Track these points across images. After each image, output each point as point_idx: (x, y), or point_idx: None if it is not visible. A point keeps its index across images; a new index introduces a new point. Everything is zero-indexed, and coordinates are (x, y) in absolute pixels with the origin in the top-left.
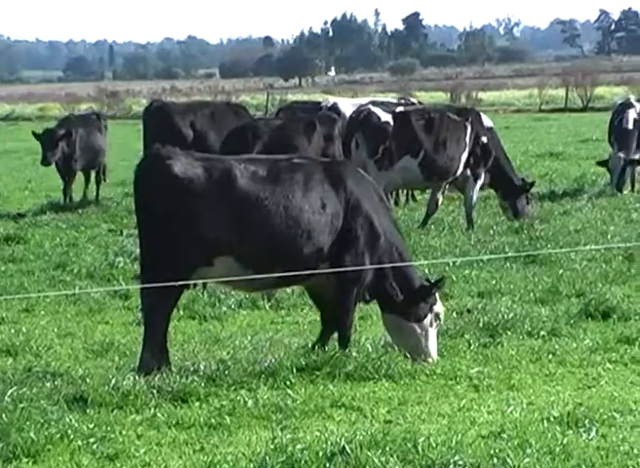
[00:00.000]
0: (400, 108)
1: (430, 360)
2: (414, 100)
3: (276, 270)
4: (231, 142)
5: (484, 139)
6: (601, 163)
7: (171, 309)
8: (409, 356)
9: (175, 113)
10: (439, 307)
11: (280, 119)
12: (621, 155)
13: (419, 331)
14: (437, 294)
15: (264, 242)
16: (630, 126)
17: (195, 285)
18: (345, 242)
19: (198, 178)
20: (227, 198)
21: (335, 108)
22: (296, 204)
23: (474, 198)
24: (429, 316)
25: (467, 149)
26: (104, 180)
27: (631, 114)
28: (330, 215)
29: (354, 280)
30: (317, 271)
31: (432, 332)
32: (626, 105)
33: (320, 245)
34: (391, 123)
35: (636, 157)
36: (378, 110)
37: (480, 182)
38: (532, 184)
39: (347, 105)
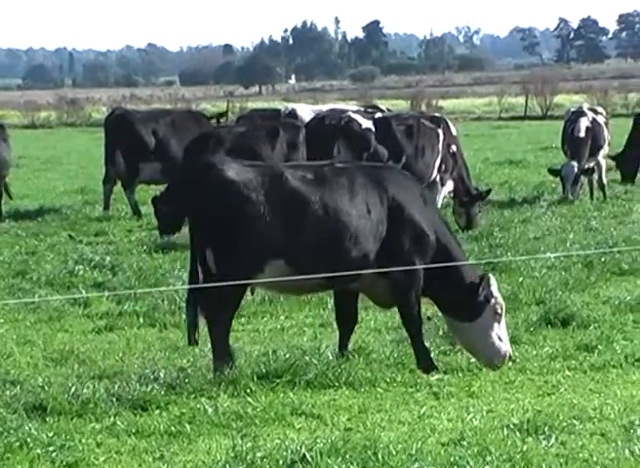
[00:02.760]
0: (378, 114)
1: (500, 359)
2: (382, 108)
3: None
4: (193, 149)
5: (454, 148)
6: (552, 171)
7: (232, 314)
8: (475, 358)
9: (136, 121)
10: (496, 302)
11: (243, 126)
12: (574, 164)
13: (476, 329)
14: (493, 289)
15: (313, 246)
16: (582, 134)
17: (252, 291)
18: (392, 246)
19: (250, 184)
20: (278, 203)
21: (293, 115)
22: (343, 208)
23: (439, 204)
24: (486, 313)
25: (440, 156)
26: (9, 197)
27: (583, 122)
28: (375, 219)
29: (409, 283)
30: (363, 271)
31: (495, 329)
32: (579, 113)
33: (366, 248)
34: (373, 129)
35: (590, 165)
36: (358, 117)
37: (446, 189)
38: (488, 192)
39: (306, 112)
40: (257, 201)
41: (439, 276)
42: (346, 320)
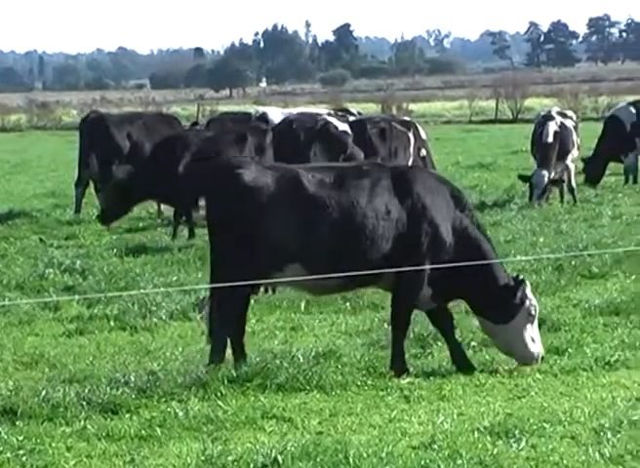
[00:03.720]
0: (352, 118)
1: (532, 360)
2: (353, 111)
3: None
4: (159, 153)
5: (424, 152)
6: (523, 177)
7: (238, 312)
8: (512, 358)
9: (111, 124)
10: (531, 304)
11: (211, 130)
12: (545, 173)
13: (510, 331)
14: (527, 291)
15: (331, 248)
16: (550, 139)
17: (266, 290)
18: (410, 247)
19: (268, 186)
20: (296, 205)
21: (264, 118)
22: (361, 210)
23: None
24: (520, 315)
25: (411, 160)
26: None
27: (552, 127)
28: (395, 221)
29: (416, 283)
30: (375, 271)
31: (528, 330)
32: (547, 118)
33: (384, 250)
34: (349, 132)
35: (560, 174)
36: (334, 120)
37: None
38: None
39: (277, 115)
40: (271, 203)
41: (472, 277)
42: (441, 323)
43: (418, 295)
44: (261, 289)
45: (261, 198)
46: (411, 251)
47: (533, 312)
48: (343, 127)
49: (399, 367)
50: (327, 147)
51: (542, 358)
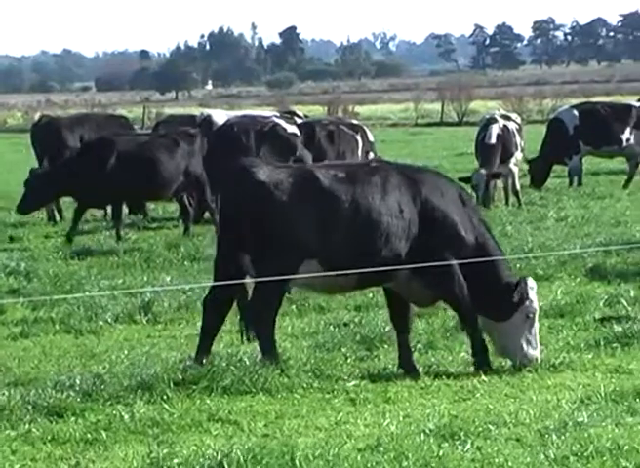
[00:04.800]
0: (299, 120)
1: (526, 363)
2: (300, 114)
3: (356, 274)
4: (84, 152)
5: (371, 155)
6: (463, 179)
7: (276, 313)
8: (507, 357)
9: (63, 127)
10: (530, 305)
11: (139, 134)
12: (483, 171)
13: (506, 330)
14: (529, 292)
15: (346, 245)
16: (493, 141)
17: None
18: (425, 246)
19: (282, 185)
20: (311, 203)
21: (209, 120)
22: (375, 208)
23: None
24: (517, 315)
25: None
26: None
27: (495, 129)
28: (407, 220)
29: (447, 281)
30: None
31: (524, 332)
32: (491, 121)
33: (399, 248)
34: (298, 134)
35: (500, 170)
36: (282, 122)
37: None
38: None
39: (222, 117)
40: (286, 202)
41: (477, 275)
42: (400, 320)
43: (460, 288)
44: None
45: (276, 196)
46: (429, 250)
47: (530, 314)
48: (292, 129)
49: (483, 363)
50: (276, 149)
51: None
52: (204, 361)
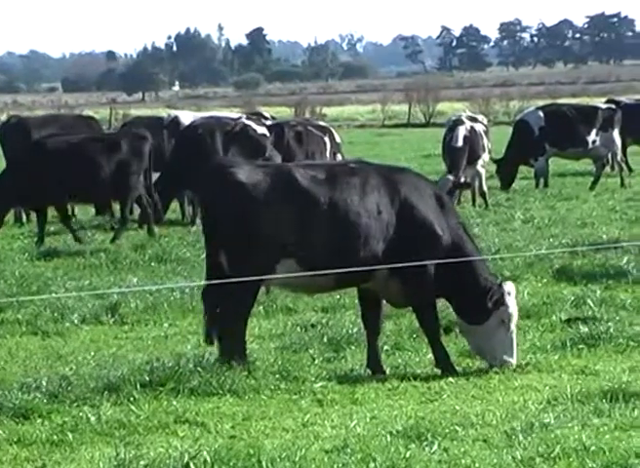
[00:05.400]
0: (269, 122)
1: (503, 364)
2: (267, 115)
3: (334, 274)
4: (18, 160)
5: (339, 156)
6: None
7: (248, 311)
8: (485, 360)
9: (33, 127)
10: (508, 308)
11: (79, 136)
12: (450, 178)
13: (480, 334)
14: (506, 295)
15: (323, 246)
16: (460, 143)
17: (267, 290)
18: (403, 247)
19: (261, 185)
20: (289, 203)
21: (176, 121)
22: (353, 208)
23: None
24: (492, 319)
25: None
26: None
27: (461, 131)
28: (385, 220)
29: (420, 284)
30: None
31: (498, 337)
32: (457, 122)
33: (376, 249)
34: (268, 135)
35: (467, 178)
36: (252, 123)
37: None
38: None
39: (190, 118)
40: (264, 201)
41: (454, 277)
42: (371, 321)
43: (429, 294)
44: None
45: (254, 195)
46: (406, 251)
47: (506, 319)
48: (262, 130)
49: (445, 366)
50: (245, 150)
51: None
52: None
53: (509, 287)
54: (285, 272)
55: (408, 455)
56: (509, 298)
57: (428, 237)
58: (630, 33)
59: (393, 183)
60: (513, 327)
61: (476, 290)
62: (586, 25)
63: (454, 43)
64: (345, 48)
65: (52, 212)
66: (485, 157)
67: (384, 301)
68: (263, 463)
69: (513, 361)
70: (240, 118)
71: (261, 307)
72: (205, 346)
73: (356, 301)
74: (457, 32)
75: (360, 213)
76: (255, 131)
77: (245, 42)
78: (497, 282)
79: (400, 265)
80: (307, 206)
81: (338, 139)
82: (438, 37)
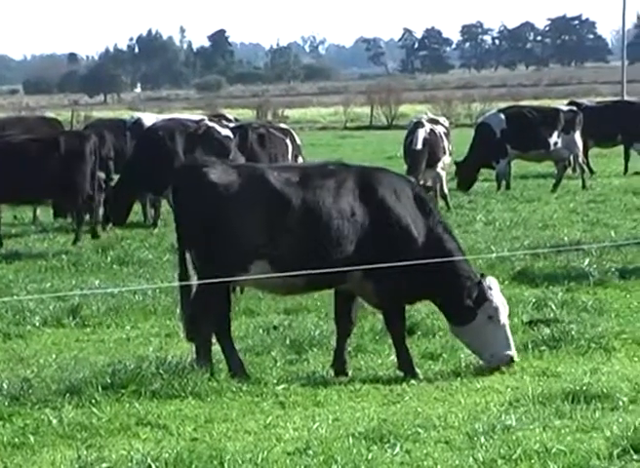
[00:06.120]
0: (232, 124)
1: (498, 363)
2: (230, 117)
3: (306, 275)
4: None
5: (300, 159)
6: None
7: (222, 311)
8: (483, 360)
9: None
10: (492, 302)
11: (19, 137)
12: (411, 180)
13: (470, 333)
14: (487, 290)
15: (296, 247)
16: (419, 146)
17: (234, 289)
18: (379, 249)
19: (233, 185)
20: (261, 204)
21: (139, 124)
22: (325, 210)
23: None
24: (479, 317)
25: None
26: None
27: (421, 134)
28: (360, 222)
29: (391, 286)
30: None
31: (489, 333)
32: (418, 125)
33: (350, 250)
34: (232, 137)
35: (428, 184)
36: (216, 125)
37: None
38: None
39: (152, 121)
40: (236, 202)
41: (436, 278)
42: (344, 322)
43: (399, 297)
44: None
45: (226, 196)
46: (382, 253)
47: (492, 314)
48: (226, 132)
49: (407, 368)
50: (209, 152)
51: (512, 361)
52: None
53: (490, 281)
54: (258, 273)
55: (370, 457)
56: (492, 292)
57: (403, 239)
58: (591, 36)
59: (370, 184)
60: (504, 319)
61: (459, 289)
62: (548, 28)
63: (416, 45)
64: (308, 50)
65: (13, 214)
66: (446, 159)
67: (359, 304)
68: (225, 465)
69: (512, 353)
70: (203, 120)
71: None
72: (167, 349)
73: (318, 304)
74: (419, 34)
75: (332, 214)
76: (219, 133)
77: (207, 44)
78: (477, 279)
79: (370, 267)
80: (279, 207)
81: (298, 142)
82: (400, 39)
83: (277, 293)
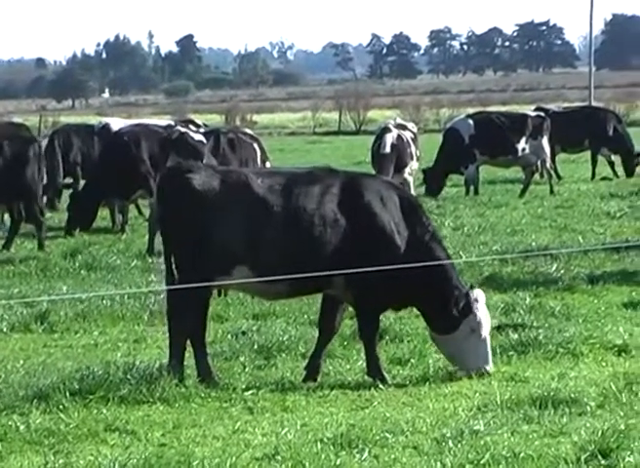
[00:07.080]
0: (202, 129)
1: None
2: (198, 122)
3: (289, 281)
4: None
5: (268, 164)
6: None
7: (198, 314)
8: (460, 369)
9: None
10: (476, 316)
11: None
12: (400, 187)
13: (450, 343)
14: (473, 302)
15: (278, 253)
16: (387, 150)
17: (220, 293)
18: (358, 254)
19: (216, 190)
20: (243, 209)
21: (107, 129)
22: (309, 216)
23: None
24: (462, 328)
25: None
26: None
27: (389, 139)
28: (342, 228)
29: (370, 291)
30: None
31: (470, 345)
32: (385, 130)
33: (332, 256)
34: (205, 142)
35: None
36: (188, 130)
37: None
38: None
39: (120, 126)
40: (219, 207)
41: (423, 286)
42: (328, 328)
43: (378, 299)
44: (214, 292)
45: (209, 201)
46: (365, 258)
47: (475, 327)
48: (199, 137)
49: (377, 375)
50: (182, 157)
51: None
52: None
53: (477, 293)
54: (240, 278)
55: (338, 463)
56: (478, 305)
57: (386, 246)
58: (559, 41)
59: (354, 190)
60: (485, 334)
61: (445, 298)
62: (516, 33)
63: (384, 51)
64: (276, 55)
65: None
66: (413, 164)
67: (343, 310)
68: None
69: (489, 368)
70: (170, 125)
71: None
72: (135, 354)
73: (286, 309)
74: (387, 40)
75: (316, 221)
76: (192, 138)
77: (175, 49)
78: (464, 289)
79: (349, 271)
80: (259, 213)
81: (264, 147)
82: (368, 45)
83: (262, 298)
